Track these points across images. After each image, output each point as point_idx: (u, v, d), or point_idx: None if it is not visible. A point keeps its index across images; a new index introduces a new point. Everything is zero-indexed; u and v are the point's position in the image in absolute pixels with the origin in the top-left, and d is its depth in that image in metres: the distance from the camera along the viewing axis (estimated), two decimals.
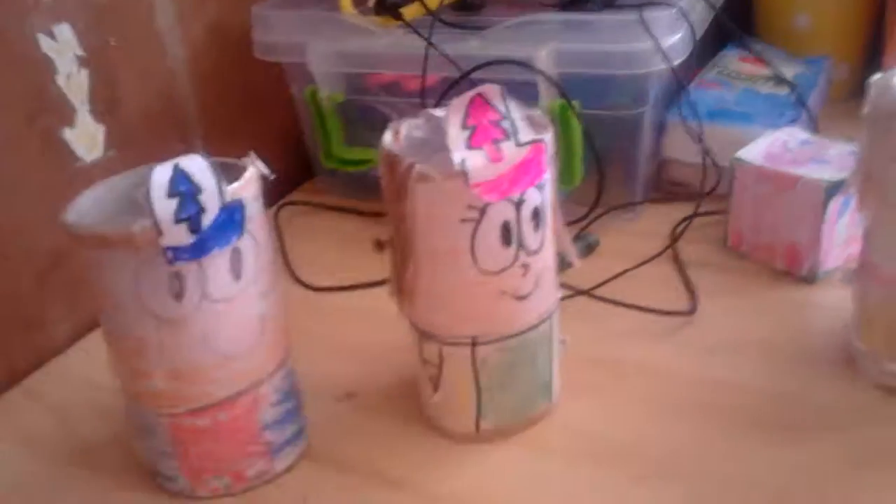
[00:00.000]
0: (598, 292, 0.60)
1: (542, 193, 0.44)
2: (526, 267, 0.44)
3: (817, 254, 0.59)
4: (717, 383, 0.51)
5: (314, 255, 0.71)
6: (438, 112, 0.45)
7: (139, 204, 0.38)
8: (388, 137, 0.45)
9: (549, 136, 0.44)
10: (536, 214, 0.44)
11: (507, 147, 0.42)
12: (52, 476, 0.50)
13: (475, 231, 0.42)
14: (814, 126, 0.73)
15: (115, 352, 0.44)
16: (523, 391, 0.48)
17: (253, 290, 0.43)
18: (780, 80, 0.76)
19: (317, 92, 0.74)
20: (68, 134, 0.62)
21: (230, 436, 0.45)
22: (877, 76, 0.46)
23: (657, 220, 0.69)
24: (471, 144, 0.42)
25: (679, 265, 0.63)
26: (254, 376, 0.44)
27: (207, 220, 0.39)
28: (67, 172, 0.62)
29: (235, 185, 0.41)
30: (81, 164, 0.63)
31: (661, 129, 0.72)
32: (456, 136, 0.41)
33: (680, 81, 0.66)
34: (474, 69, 0.64)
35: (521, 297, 0.45)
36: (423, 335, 0.47)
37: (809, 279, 0.60)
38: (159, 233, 0.38)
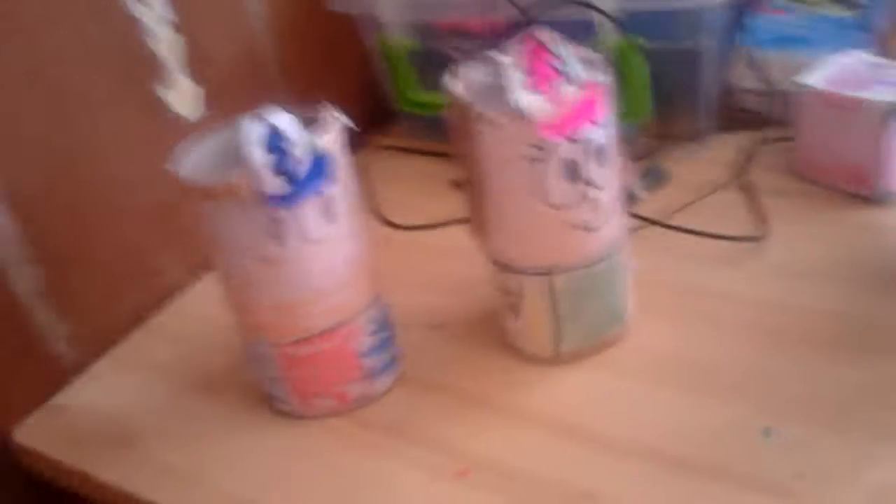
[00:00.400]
0: (670, 221, 0.62)
1: (604, 131, 0.47)
2: (594, 201, 0.47)
3: (883, 175, 0.60)
4: (786, 306, 0.53)
5: (399, 196, 0.75)
6: (499, 56, 0.47)
7: (237, 157, 0.42)
8: (451, 82, 0.48)
9: (605, 76, 0.46)
10: (599, 151, 0.47)
11: (566, 88, 0.45)
12: (181, 401, 0.56)
13: (542, 169, 0.45)
14: (882, 48, 0.73)
15: (227, 290, 0.49)
16: (597, 317, 0.52)
17: (343, 232, 0.47)
18: (846, 2, 0.76)
19: (388, 40, 0.77)
20: (163, 92, 0.67)
21: (332, 362, 0.50)
22: None
23: (726, 149, 0.71)
24: (531, 87, 0.45)
25: (748, 192, 0.65)
26: (349, 310, 0.49)
27: (300, 170, 0.43)
28: (166, 128, 0.67)
29: (323, 137, 0.45)
30: (178, 121, 0.68)
31: (726, 58, 0.73)
32: (516, 80, 0.45)
33: (739, 11, 0.67)
34: (538, 10, 0.66)
35: (591, 230, 0.48)
36: (502, 267, 0.51)
37: (878, 200, 0.61)
38: (259, 183, 0.43)
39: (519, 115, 0.44)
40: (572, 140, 0.45)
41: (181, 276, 0.69)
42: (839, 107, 0.61)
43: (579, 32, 0.66)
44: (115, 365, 0.62)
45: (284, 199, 0.44)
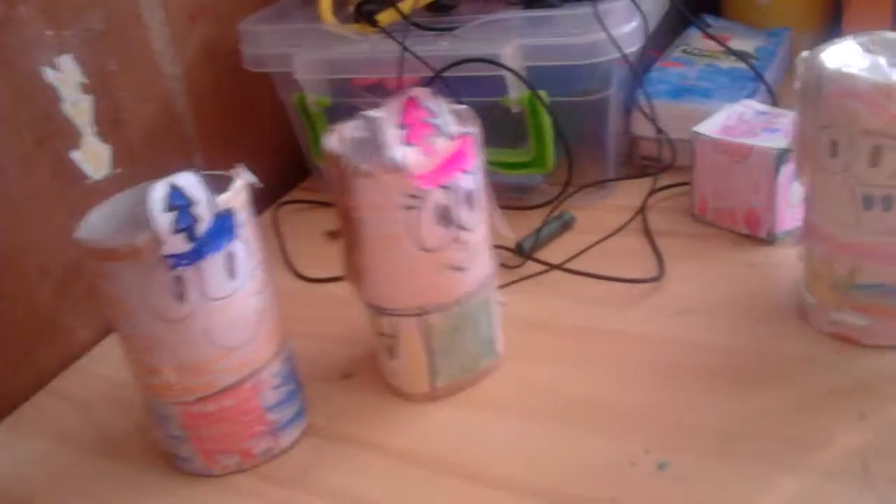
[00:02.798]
0: (572, 265, 0.65)
1: (473, 178, 0.50)
2: (463, 243, 0.50)
3: (774, 217, 0.63)
4: (679, 343, 0.55)
5: (310, 248, 0.76)
6: (375, 113, 0.50)
7: (141, 218, 0.43)
8: (331, 139, 0.51)
9: (474, 129, 0.50)
10: (469, 197, 0.50)
11: (439, 141, 0.48)
12: (82, 465, 0.55)
13: (416, 216, 0.48)
14: (773, 97, 0.77)
15: (129, 351, 0.49)
16: (470, 350, 0.54)
17: (247, 288, 0.48)
18: (738, 54, 0.80)
19: (304, 98, 0.79)
20: (76, 155, 0.67)
21: (237, 418, 0.50)
22: (804, 53, 0.51)
23: (630, 195, 0.74)
24: (406, 141, 0.48)
25: (648, 235, 0.67)
26: (254, 364, 0.49)
27: (201, 228, 0.44)
28: (78, 190, 0.68)
29: (225, 195, 0.46)
30: (91, 182, 0.69)
31: (628, 109, 0.77)
32: (391, 134, 0.48)
33: (633, 68, 0.71)
34: (445, 68, 0.69)
35: (461, 269, 0.51)
36: (377, 310, 0.53)
37: (769, 241, 0.64)
38: (160, 243, 0.43)
39: (394, 167, 0.47)
40: (445, 188, 0.48)
41: (86, 337, 0.69)
42: (731, 153, 0.64)
43: (487, 88, 0.70)
44: (14, 430, 0.60)
45: (186, 257, 0.44)
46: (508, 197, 0.72)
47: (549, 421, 0.51)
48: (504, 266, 0.65)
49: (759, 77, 0.77)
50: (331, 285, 0.69)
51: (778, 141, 0.62)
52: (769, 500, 0.43)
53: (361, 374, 0.58)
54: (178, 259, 0.44)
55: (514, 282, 0.64)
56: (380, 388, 0.56)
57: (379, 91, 0.78)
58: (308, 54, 0.76)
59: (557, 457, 0.48)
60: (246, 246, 0.48)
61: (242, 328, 0.48)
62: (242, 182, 0.47)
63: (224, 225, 0.46)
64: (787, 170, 0.62)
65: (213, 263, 0.46)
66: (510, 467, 0.48)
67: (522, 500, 0.46)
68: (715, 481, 0.45)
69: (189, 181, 0.44)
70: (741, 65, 0.79)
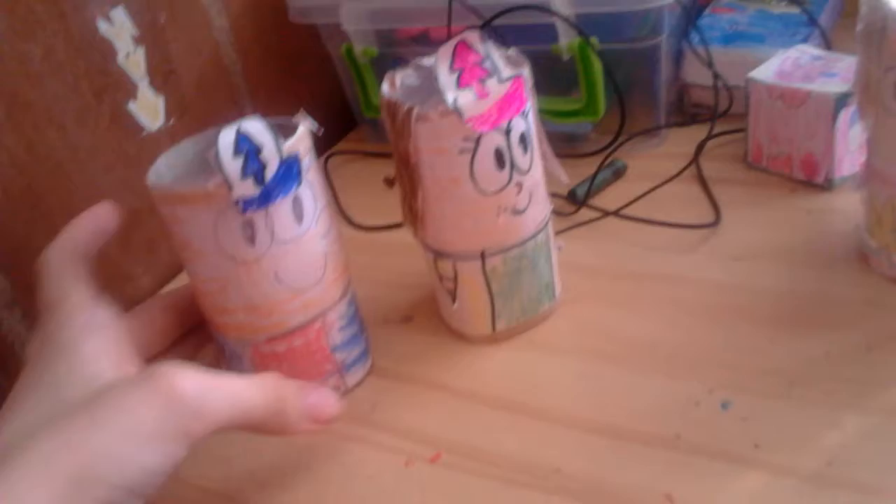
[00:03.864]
0: (627, 212, 0.65)
1: (527, 120, 0.50)
2: (520, 185, 0.51)
3: (831, 162, 0.63)
4: (738, 288, 0.55)
5: (362, 198, 0.76)
6: (427, 60, 0.51)
7: (209, 164, 0.44)
8: (385, 86, 0.51)
9: (526, 71, 0.50)
10: (523, 139, 0.50)
11: (491, 84, 0.48)
12: None
13: (472, 159, 0.49)
14: (826, 42, 0.76)
15: (201, 292, 0.50)
16: (529, 293, 0.55)
17: (314, 231, 0.49)
18: None
19: (352, 49, 0.79)
20: (133, 107, 0.68)
21: (305, 358, 0.51)
22: None
23: (681, 143, 0.73)
24: (460, 85, 0.48)
25: (702, 182, 0.67)
26: (320, 305, 0.50)
27: (269, 173, 0.45)
28: (136, 142, 0.68)
29: (290, 140, 0.46)
30: (147, 133, 0.69)
31: (678, 56, 0.76)
32: (446, 79, 0.48)
33: (688, 11, 0.70)
34: (495, 17, 0.68)
35: (519, 212, 0.51)
36: (438, 254, 0.54)
37: (826, 186, 0.64)
38: (230, 188, 0.44)
39: (452, 111, 0.47)
40: (499, 130, 0.48)
41: (148, 284, 0.70)
42: (788, 99, 0.64)
43: (537, 35, 0.69)
44: None
45: (256, 201, 0.45)
46: (559, 145, 0.71)
47: (609, 362, 0.52)
48: (558, 213, 0.65)
49: (813, 21, 0.76)
50: (385, 232, 0.70)
51: (836, 85, 0.61)
52: (834, 437, 0.43)
53: (421, 317, 0.59)
54: (248, 203, 0.45)
55: (568, 228, 0.65)
56: (440, 331, 0.57)
57: (425, 41, 0.78)
58: (355, 4, 0.76)
59: (619, 396, 0.49)
60: (311, 190, 0.48)
61: (310, 270, 0.49)
62: (305, 128, 0.48)
63: (290, 170, 0.46)
64: (846, 115, 0.61)
65: (282, 207, 0.46)
66: (573, 406, 0.49)
67: (587, 437, 0.47)
68: (778, 420, 0.45)
69: (256, 127, 0.44)
70: (793, 9, 0.78)
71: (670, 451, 0.45)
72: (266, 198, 0.45)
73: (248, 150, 0.44)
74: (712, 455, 0.44)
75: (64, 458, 0.36)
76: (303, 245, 0.48)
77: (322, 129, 0.49)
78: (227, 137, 0.44)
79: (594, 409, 0.48)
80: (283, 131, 0.47)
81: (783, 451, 0.43)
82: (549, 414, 0.49)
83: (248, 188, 0.44)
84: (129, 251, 0.69)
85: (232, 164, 0.44)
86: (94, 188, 0.65)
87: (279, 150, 0.45)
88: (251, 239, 0.46)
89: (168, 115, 0.71)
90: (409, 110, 0.48)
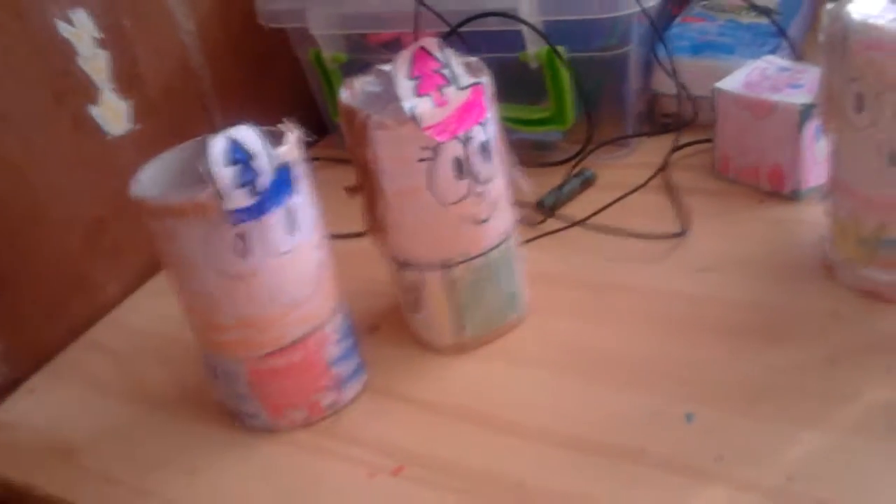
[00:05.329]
0: (595, 222, 0.64)
1: (487, 129, 0.50)
2: (481, 195, 0.50)
3: (798, 173, 0.63)
4: (703, 299, 0.55)
5: (331, 205, 0.75)
6: (387, 66, 0.50)
7: (195, 175, 0.42)
8: (344, 93, 0.51)
9: (485, 79, 0.49)
10: (484, 148, 0.49)
11: (450, 92, 0.48)
12: (118, 414, 0.56)
13: (431, 168, 0.48)
14: (795, 53, 0.76)
15: (190, 309, 0.48)
16: (494, 303, 0.54)
17: (307, 242, 0.48)
18: (761, 9, 0.79)
19: (320, 54, 0.78)
20: (95, 111, 0.67)
21: (304, 374, 0.50)
22: (829, 5, 0.50)
23: (650, 153, 0.73)
24: (418, 92, 0.47)
25: (670, 191, 0.67)
26: (317, 318, 0.49)
27: (263, 182, 0.44)
28: (99, 145, 0.67)
29: (283, 148, 0.45)
30: (111, 138, 0.68)
31: (649, 65, 0.76)
32: (404, 86, 0.47)
33: (654, 22, 0.70)
34: (462, 23, 0.68)
35: (481, 221, 0.51)
36: (401, 264, 0.53)
37: (793, 197, 0.64)
38: (222, 198, 0.43)
39: (410, 119, 0.46)
40: (458, 139, 0.48)
41: (116, 290, 0.69)
42: (754, 109, 0.64)
43: (505, 43, 0.69)
44: (50, 379, 0.62)
45: (249, 212, 0.44)
46: (527, 154, 0.71)
47: (575, 374, 0.51)
48: (525, 222, 0.65)
49: (781, 32, 0.76)
50: (350, 240, 0.69)
51: (802, 97, 0.62)
52: (794, 452, 0.43)
53: (387, 327, 0.59)
54: (241, 214, 0.44)
55: (535, 238, 0.64)
56: (406, 341, 0.57)
57: (396, 47, 0.77)
58: (323, 9, 0.75)
59: (585, 408, 0.49)
60: (304, 200, 0.47)
61: (305, 282, 0.48)
62: (296, 136, 0.47)
63: (283, 178, 0.45)
64: (812, 126, 0.61)
65: (275, 218, 0.45)
66: (539, 418, 0.49)
67: (551, 449, 0.46)
68: (741, 433, 0.45)
69: (248, 135, 0.43)
70: (763, 20, 0.78)
71: (634, 465, 0.44)
72: (260, 208, 0.44)
73: (240, 158, 0.43)
74: (676, 468, 0.44)
75: None
76: (297, 256, 0.47)
77: (312, 138, 0.48)
78: (218, 146, 0.42)
79: (559, 422, 0.48)
80: (272, 139, 0.45)
81: (745, 465, 0.43)
82: (513, 426, 0.49)
83: (241, 198, 0.43)
84: (94, 256, 0.67)
85: (225, 173, 0.42)
86: (54, 191, 0.64)
87: (272, 157, 0.44)
88: (244, 252, 0.45)
89: (135, 119, 0.70)
90: (367, 117, 0.47)
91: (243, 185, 0.43)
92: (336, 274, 0.51)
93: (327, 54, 0.78)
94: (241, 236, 0.44)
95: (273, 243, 0.45)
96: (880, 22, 0.47)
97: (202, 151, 0.42)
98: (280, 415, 0.51)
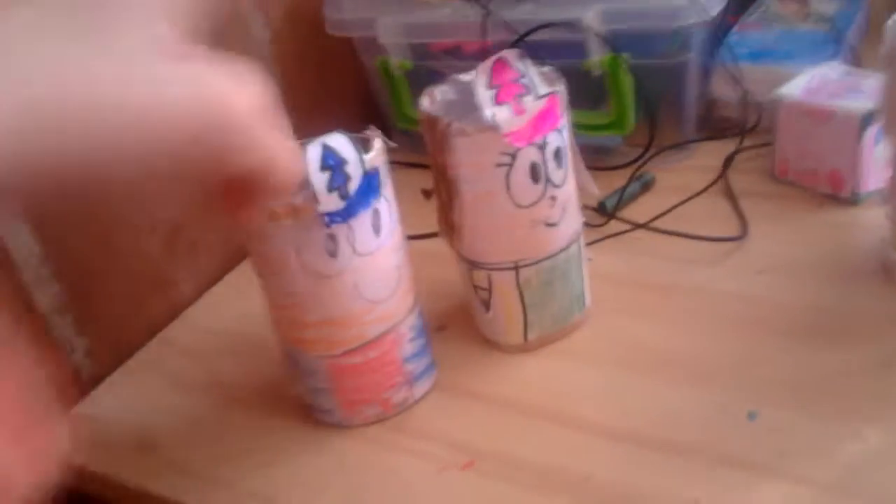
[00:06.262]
0: (655, 225, 0.66)
1: (561, 136, 0.52)
2: (553, 198, 0.52)
3: (857, 178, 0.64)
4: (765, 300, 0.57)
5: (400, 208, 0.78)
6: (465, 76, 0.53)
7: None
8: (425, 102, 0.53)
9: (561, 88, 0.52)
10: (558, 154, 0.52)
11: (528, 100, 0.50)
12: (197, 408, 0.59)
13: (508, 173, 0.50)
14: (854, 58, 0.77)
15: (277, 307, 0.51)
16: (561, 303, 0.56)
17: (389, 244, 0.50)
18: (818, 17, 0.80)
19: (387, 61, 0.81)
20: None
21: (380, 370, 0.52)
22: (893, 19, 0.51)
23: (709, 157, 0.74)
24: (497, 101, 0.50)
25: (730, 195, 0.68)
26: (395, 317, 0.52)
27: (353, 187, 0.46)
28: None
29: (371, 154, 0.48)
30: None
31: (707, 71, 0.77)
32: (484, 95, 0.50)
33: (716, 30, 0.71)
34: (529, 32, 0.70)
35: (552, 225, 0.53)
36: (473, 265, 0.55)
37: (852, 201, 0.65)
38: (316, 202, 0.45)
39: (490, 126, 0.49)
40: (535, 145, 0.50)
41: (190, 290, 0.72)
42: (815, 116, 0.65)
43: (568, 51, 0.71)
44: (131, 375, 0.65)
45: (340, 215, 0.46)
46: (589, 157, 0.73)
47: (637, 371, 0.53)
48: (588, 225, 0.67)
49: (839, 39, 0.77)
50: (417, 242, 0.71)
51: (863, 103, 0.63)
52: (855, 448, 0.45)
53: (455, 326, 0.61)
54: (333, 217, 0.46)
55: (598, 240, 0.66)
56: (473, 340, 0.59)
57: (458, 54, 0.80)
58: (391, 19, 0.78)
59: (648, 405, 0.50)
60: (388, 204, 0.50)
61: (386, 282, 0.50)
62: (382, 143, 0.49)
63: (371, 183, 0.47)
64: (872, 131, 0.62)
65: (363, 220, 0.48)
66: (604, 414, 0.51)
67: (617, 445, 0.48)
68: (804, 431, 0.47)
69: (340, 142, 0.46)
70: (819, 27, 0.79)
71: (698, 460, 0.46)
72: (349, 211, 0.47)
73: (333, 164, 0.46)
74: (738, 464, 0.45)
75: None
76: (379, 257, 0.49)
77: (395, 144, 0.50)
78: (313, 152, 0.45)
79: (623, 418, 0.50)
80: (361, 145, 0.48)
81: (806, 462, 0.45)
82: (579, 422, 0.50)
83: (333, 202, 0.46)
84: (171, 257, 0.71)
85: (319, 178, 0.45)
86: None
87: (362, 163, 0.47)
88: (333, 252, 0.47)
89: None
90: (448, 125, 0.50)
91: (335, 189, 0.46)
92: (412, 274, 0.53)
93: (394, 62, 0.81)
94: (332, 237, 0.47)
95: (360, 244, 0.48)
96: None
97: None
98: (354, 411, 0.53)
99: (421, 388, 0.55)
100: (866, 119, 0.61)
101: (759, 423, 0.48)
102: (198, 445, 0.56)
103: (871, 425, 0.46)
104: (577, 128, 0.73)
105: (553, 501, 0.46)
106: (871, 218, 0.62)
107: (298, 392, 0.55)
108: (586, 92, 0.73)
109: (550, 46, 0.70)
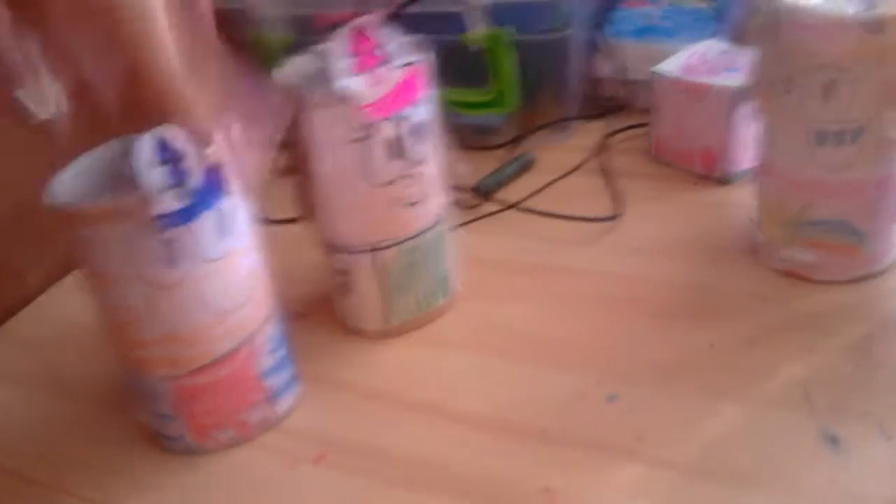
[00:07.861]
0: (530, 205, 0.65)
1: (422, 110, 0.50)
2: (413, 177, 0.50)
3: (729, 157, 0.63)
4: (635, 280, 0.56)
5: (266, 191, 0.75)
6: (323, 44, 0.49)
7: (115, 179, 0.40)
8: (279, 72, 0.50)
9: (423, 58, 0.49)
10: (419, 129, 0.49)
11: (387, 70, 0.48)
12: (37, 409, 0.54)
13: (366, 148, 0.48)
14: (735, 36, 0.76)
15: (111, 323, 0.45)
16: (425, 287, 0.54)
17: (239, 247, 0.45)
18: None
19: (263, 34, 0.77)
20: (21, 94, 0.66)
21: (232, 389, 0.47)
22: None
23: (591, 136, 0.73)
24: (354, 71, 0.47)
25: (606, 175, 0.67)
26: (249, 328, 0.46)
27: (193, 184, 0.41)
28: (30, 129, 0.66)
29: (212, 148, 0.42)
30: (36, 122, 0.67)
31: (592, 48, 0.76)
32: (340, 64, 0.47)
33: (603, 3, 0.70)
34: (406, 3, 0.68)
35: (412, 204, 0.51)
36: (331, 248, 0.53)
37: (725, 181, 0.64)
38: (150, 202, 0.40)
39: (343, 97, 0.46)
40: (394, 119, 0.48)
41: (39, 280, 0.67)
42: (690, 93, 0.64)
43: (449, 25, 0.69)
44: None
45: (179, 217, 0.41)
46: (468, 137, 0.71)
47: (503, 357, 0.52)
48: (462, 206, 0.65)
49: (722, 16, 0.76)
50: (275, 226, 0.69)
51: (737, 79, 0.62)
52: (714, 426, 0.44)
53: (315, 314, 0.58)
54: (170, 218, 0.41)
55: (471, 221, 0.65)
56: (335, 327, 0.56)
57: (339, 28, 0.77)
58: None
59: (512, 391, 0.49)
60: (236, 202, 0.44)
61: (237, 290, 0.45)
62: (224, 131, 0.44)
63: (214, 180, 0.42)
64: (744, 109, 0.62)
65: (205, 222, 0.42)
66: (465, 401, 0.49)
67: (479, 433, 0.47)
68: (662, 411, 0.46)
69: (175, 134, 0.40)
70: (704, 4, 0.79)
71: (556, 445, 0.45)
72: (189, 213, 0.41)
73: (169, 158, 0.40)
74: (596, 447, 0.44)
75: None
76: (228, 262, 0.44)
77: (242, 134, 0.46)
78: (145, 145, 0.40)
79: (485, 405, 0.48)
80: (200, 136, 0.43)
81: (664, 443, 0.44)
82: (438, 410, 0.49)
83: (170, 202, 0.40)
84: (17, 246, 0.65)
85: (153, 175, 0.40)
86: None
87: (201, 157, 0.41)
88: (171, 260, 0.42)
89: (60, 104, 0.69)
90: (299, 96, 0.47)
91: (172, 187, 0.41)
92: (269, 278, 0.49)
93: (270, 36, 0.77)
94: (168, 243, 0.42)
95: (202, 250, 0.43)
96: (809, 3, 0.48)
97: (122, 154, 0.40)
98: (205, 436, 0.48)
99: (284, 404, 0.50)
100: (738, 95, 0.61)
101: (619, 405, 0.46)
102: (39, 453, 0.51)
103: (733, 403, 0.45)
104: (458, 106, 0.72)
105: (408, 492, 0.44)
106: (743, 197, 0.61)
107: (141, 419, 0.49)
108: (467, 69, 0.72)
109: (430, 19, 0.68)
